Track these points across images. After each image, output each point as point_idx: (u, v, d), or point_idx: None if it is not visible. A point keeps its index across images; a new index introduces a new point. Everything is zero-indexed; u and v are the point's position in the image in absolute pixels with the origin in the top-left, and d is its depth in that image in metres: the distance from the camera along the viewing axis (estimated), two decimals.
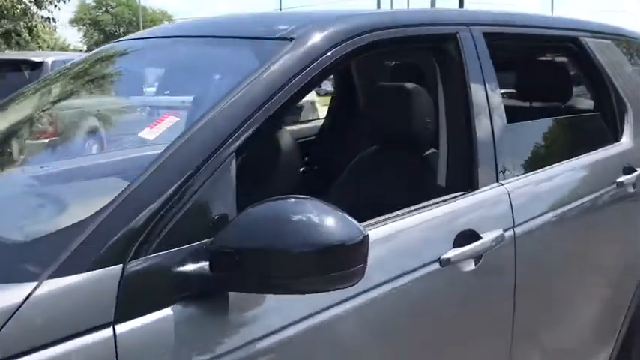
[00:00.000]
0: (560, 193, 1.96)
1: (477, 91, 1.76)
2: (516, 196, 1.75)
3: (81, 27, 54.02)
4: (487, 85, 1.79)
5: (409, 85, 1.98)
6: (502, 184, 1.75)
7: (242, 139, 1.24)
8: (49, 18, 14.74)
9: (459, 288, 1.58)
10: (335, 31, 1.49)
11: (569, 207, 1.93)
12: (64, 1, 14.32)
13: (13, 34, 13.43)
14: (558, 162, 2.02)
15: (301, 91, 1.38)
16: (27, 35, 13.89)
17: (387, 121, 2.05)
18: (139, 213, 1.09)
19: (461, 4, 21.00)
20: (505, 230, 1.68)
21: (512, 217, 1.72)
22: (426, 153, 2.01)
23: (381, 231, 1.43)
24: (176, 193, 1.13)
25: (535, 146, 2.11)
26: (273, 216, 1.11)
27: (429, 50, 1.86)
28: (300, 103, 7.28)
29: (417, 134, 1.95)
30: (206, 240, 1.14)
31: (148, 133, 1.29)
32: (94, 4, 53.96)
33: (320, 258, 1.07)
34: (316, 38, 1.46)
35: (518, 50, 2.81)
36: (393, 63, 3.45)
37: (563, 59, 2.60)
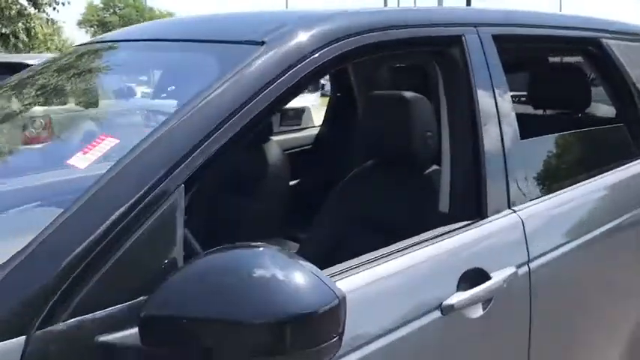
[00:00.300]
0: (582, 219, 1.71)
1: (485, 100, 1.52)
2: (532, 225, 1.51)
3: (88, 28, 54.07)
4: (497, 93, 1.56)
5: (408, 93, 1.75)
6: (515, 211, 1.51)
7: (193, 167, 1.01)
8: (47, 20, 14.58)
9: (465, 339, 1.33)
10: (317, 32, 1.26)
11: (592, 235, 1.68)
12: (63, 4, 14.16)
13: (10, 36, 13.26)
14: (579, 182, 1.77)
15: (273, 104, 1.15)
16: (24, 37, 13.70)
17: (383, 134, 1.81)
18: (53, 265, 0.86)
19: (468, 2, 20.60)
20: (518, 267, 1.43)
21: (527, 250, 1.48)
22: (428, 170, 1.77)
23: (368, 274, 1.19)
24: (104, 237, 0.90)
25: (552, 164, 1.86)
26: (223, 273, 0.86)
27: (431, 54, 1.62)
28: (302, 106, 7.06)
29: (417, 149, 1.72)
30: (142, 298, 0.90)
31: (80, 160, 1.05)
32: (101, 5, 54.05)
33: (283, 331, 0.83)
34: (293, 41, 1.23)
35: (531, 54, 2.56)
36: (397, 66, 3.22)
37: (582, 63, 2.34)
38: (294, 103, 7.23)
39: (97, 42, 1.81)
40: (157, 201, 0.95)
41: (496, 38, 1.60)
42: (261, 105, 1.12)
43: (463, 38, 1.52)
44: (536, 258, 1.48)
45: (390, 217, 1.73)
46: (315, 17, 1.34)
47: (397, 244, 1.30)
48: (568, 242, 1.60)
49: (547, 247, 1.53)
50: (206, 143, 1.03)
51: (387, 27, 1.38)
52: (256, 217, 2.31)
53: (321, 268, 1.10)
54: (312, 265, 0.88)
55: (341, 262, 1.20)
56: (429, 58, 1.71)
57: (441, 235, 1.37)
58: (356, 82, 3.04)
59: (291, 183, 2.91)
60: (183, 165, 1.00)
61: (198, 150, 1.02)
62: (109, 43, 1.75)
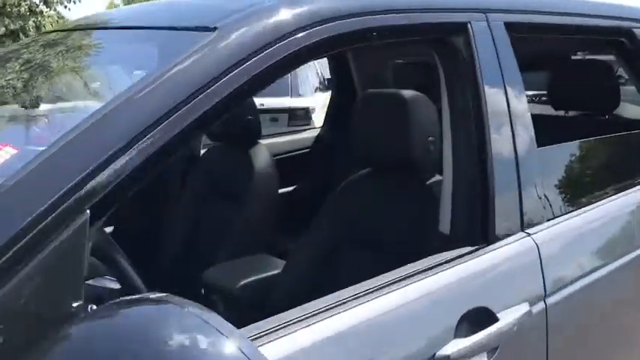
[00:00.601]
0: (610, 243, 1.48)
1: (494, 100, 1.30)
2: (549, 251, 1.29)
3: None
4: (509, 92, 1.34)
5: (407, 92, 1.53)
6: (529, 234, 1.29)
7: (106, 184, 0.78)
8: (58, 18, 14.69)
9: None
10: (284, 18, 1.06)
11: (621, 262, 1.45)
12: (75, 2, 14.27)
13: (20, 34, 13.34)
14: (607, 198, 1.55)
15: (223, 103, 0.93)
16: (34, 34, 13.80)
17: (378, 138, 1.59)
18: None
19: None
20: (532, 304, 1.21)
21: (544, 282, 1.25)
22: (429, 182, 1.54)
23: (343, 317, 0.97)
24: None
25: (575, 176, 1.63)
26: (111, 344, 0.63)
27: (431, 45, 1.38)
28: (311, 106, 6.78)
29: (416, 156, 1.51)
30: None
31: None
32: (122, 5, 54.76)
33: None
34: (251, 27, 1.00)
35: (551, 46, 2.31)
36: (407, 62, 2.99)
37: (610, 57, 2.11)
38: (302, 102, 6.88)
39: (46, 33, 1.60)
40: (47, 235, 0.72)
41: (509, 27, 1.39)
42: (204, 105, 0.90)
43: (469, 26, 1.30)
44: (554, 292, 1.27)
45: (384, 234, 1.52)
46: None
47: (381, 276, 1.09)
48: (593, 271, 1.38)
49: (568, 278, 1.32)
50: (124, 156, 0.81)
51: (371, 12, 1.14)
52: (240, 228, 2.08)
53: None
54: (237, 332, 0.64)
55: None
56: (428, 50, 1.47)
57: (437, 264, 1.15)
58: (358, 81, 2.81)
59: (289, 189, 2.70)
60: (89, 184, 0.77)
61: (111, 165, 0.79)
62: (55, 34, 1.55)
